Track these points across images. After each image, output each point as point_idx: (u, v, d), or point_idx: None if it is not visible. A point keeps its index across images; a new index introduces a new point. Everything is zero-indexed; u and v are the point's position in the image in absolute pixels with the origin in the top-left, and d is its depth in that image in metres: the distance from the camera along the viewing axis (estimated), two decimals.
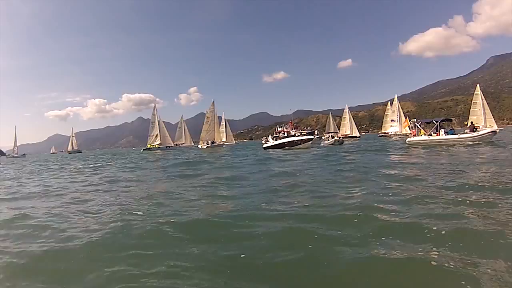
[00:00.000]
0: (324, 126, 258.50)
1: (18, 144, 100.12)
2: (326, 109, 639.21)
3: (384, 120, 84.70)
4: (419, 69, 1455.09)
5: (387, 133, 77.46)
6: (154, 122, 67.38)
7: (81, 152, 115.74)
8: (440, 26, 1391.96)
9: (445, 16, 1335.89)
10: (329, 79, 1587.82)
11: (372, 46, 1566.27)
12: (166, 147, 65.97)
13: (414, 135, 28.38)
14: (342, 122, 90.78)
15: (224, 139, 76.97)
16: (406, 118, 34.31)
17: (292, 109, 74.70)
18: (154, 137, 66.70)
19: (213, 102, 64.05)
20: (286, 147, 37.61)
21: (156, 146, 65.15)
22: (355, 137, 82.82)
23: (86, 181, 13.10)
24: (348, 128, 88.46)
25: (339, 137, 45.52)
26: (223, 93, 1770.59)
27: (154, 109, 68.95)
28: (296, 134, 41.04)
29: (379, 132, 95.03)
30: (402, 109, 78.95)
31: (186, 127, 79.52)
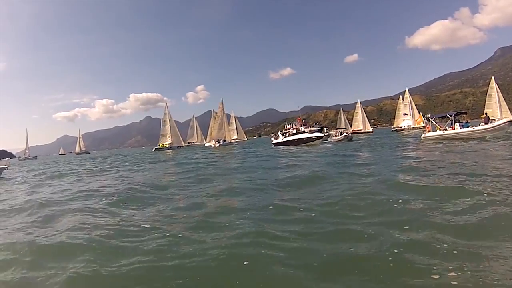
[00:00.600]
0: (332, 122, 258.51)
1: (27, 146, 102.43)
2: (333, 104, 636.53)
3: (396, 114, 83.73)
4: (426, 63, 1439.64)
5: (400, 127, 76.06)
6: (166, 121, 67.87)
7: (89, 153, 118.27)
8: (446, 19, 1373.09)
9: (451, 8, 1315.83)
10: (336, 74, 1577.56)
11: (378, 40, 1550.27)
12: (178, 146, 66.32)
13: (429, 131, 27.80)
14: (354, 117, 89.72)
15: (235, 137, 77.65)
16: (419, 114, 33.84)
17: (299, 105, 74.84)
18: (166, 136, 67.23)
19: (222, 100, 65.29)
20: (296, 144, 37.75)
21: (167, 145, 65.53)
22: (368, 132, 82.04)
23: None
24: (360, 123, 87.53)
25: (348, 134, 44.96)
26: (230, 90, 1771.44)
27: (165, 108, 69.40)
28: (305, 131, 41.12)
29: (392, 126, 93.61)
30: (410, 102, 78.37)
31: (198, 126, 79.96)
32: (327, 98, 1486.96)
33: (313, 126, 44.45)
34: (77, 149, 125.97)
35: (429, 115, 29.08)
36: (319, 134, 38.68)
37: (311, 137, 37.82)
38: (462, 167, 9.67)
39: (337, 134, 44.99)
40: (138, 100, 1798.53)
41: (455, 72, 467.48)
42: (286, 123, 49.83)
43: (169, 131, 66.78)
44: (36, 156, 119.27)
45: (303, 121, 47.91)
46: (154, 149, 63.38)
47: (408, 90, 76.71)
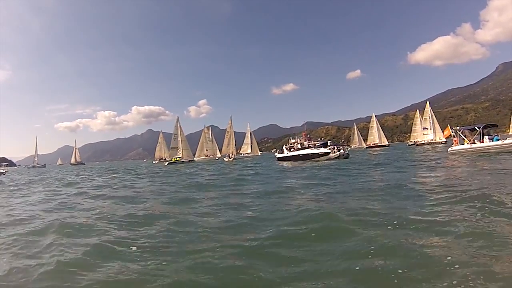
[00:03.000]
0: (334, 138, 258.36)
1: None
2: (335, 120, 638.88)
3: (413, 128, 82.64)
4: (428, 79, 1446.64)
5: (418, 141, 75.34)
6: (177, 134, 68.56)
7: (84, 164, 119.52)
8: (448, 34, 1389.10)
9: (453, 24, 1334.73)
10: (338, 90, 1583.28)
11: (380, 56, 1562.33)
12: (189, 160, 66.68)
13: (457, 144, 26.78)
14: (369, 131, 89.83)
15: (249, 151, 79.72)
16: (447, 126, 32.07)
17: (304, 120, 76.96)
18: (177, 150, 67.83)
19: (231, 117, 69.87)
20: (302, 160, 37.07)
21: (179, 159, 65.64)
22: (384, 146, 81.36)
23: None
24: (376, 137, 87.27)
25: (345, 151, 40.21)
26: (232, 105, 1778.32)
27: (177, 122, 70.15)
28: (310, 145, 40.40)
29: (408, 140, 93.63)
30: (412, 118, 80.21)
31: (214, 139, 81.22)
32: (328, 114, 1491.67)
33: (317, 141, 43.77)
34: (72, 160, 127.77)
35: (458, 127, 28.11)
36: (325, 150, 37.09)
37: (317, 153, 36.83)
38: None
39: (334, 151, 38.17)
40: (140, 113, 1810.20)
41: (457, 88, 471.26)
42: (290, 137, 49.83)
43: (181, 145, 67.81)
44: (44, 165, 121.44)
45: (308, 136, 47.26)
46: (167, 163, 63.12)
47: (411, 106, 79.92)
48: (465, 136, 26.64)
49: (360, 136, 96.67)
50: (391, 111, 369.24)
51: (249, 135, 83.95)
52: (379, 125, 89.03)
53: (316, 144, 40.59)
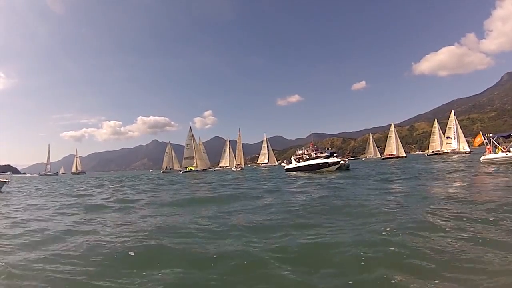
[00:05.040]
0: (339, 149, 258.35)
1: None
2: (340, 131, 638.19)
3: (431, 138, 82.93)
4: (433, 89, 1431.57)
5: (439, 151, 74.97)
6: (190, 144, 70.29)
7: (84, 174, 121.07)
8: (453, 45, 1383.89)
9: (457, 34, 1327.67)
10: (343, 101, 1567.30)
11: (385, 67, 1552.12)
12: (203, 169, 68.18)
13: (490, 152, 25.44)
14: (387, 142, 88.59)
15: (266, 161, 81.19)
16: (479, 132, 29.64)
17: (310, 131, 78.25)
18: (190, 159, 69.42)
19: (239, 129, 71.97)
20: (311, 170, 36.91)
21: (193, 168, 67.23)
22: (402, 157, 79.47)
23: None
24: (394, 147, 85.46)
25: (345, 162, 40.32)
26: (238, 116, 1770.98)
27: (190, 131, 71.75)
28: (319, 155, 40.42)
29: (427, 151, 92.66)
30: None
31: (231, 150, 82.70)
32: (333, 126, 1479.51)
33: (324, 152, 43.57)
34: (73, 169, 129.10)
35: (490, 134, 26.51)
36: (335, 160, 37.22)
37: (327, 163, 36.65)
38: None
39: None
40: (146, 123, 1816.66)
41: (462, 98, 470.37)
42: (298, 148, 49.26)
43: (195, 154, 69.36)
44: (57, 173, 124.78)
45: (315, 146, 47.17)
46: (182, 171, 65.64)
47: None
48: (498, 144, 25.12)
49: (375, 146, 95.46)
50: (396, 122, 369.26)
51: (265, 145, 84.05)
52: (397, 136, 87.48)
53: (324, 154, 40.61)
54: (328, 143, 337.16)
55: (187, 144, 71.01)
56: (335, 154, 41.82)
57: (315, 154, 41.81)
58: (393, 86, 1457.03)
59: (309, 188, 16.78)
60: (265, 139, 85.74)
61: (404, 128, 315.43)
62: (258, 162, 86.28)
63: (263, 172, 50.03)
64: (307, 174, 32.64)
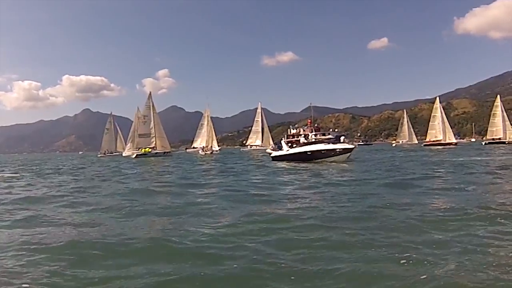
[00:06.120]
0: (347, 130, 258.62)
1: None
2: (349, 106, 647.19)
3: (491, 121, 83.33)
4: (481, 55, 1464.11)
5: (500, 138, 76.36)
6: (149, 116, 69.45)
7: None
8: None
9: None
10: (356, 64, 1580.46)
11: (416, 21, 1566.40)
12: (164, 152, 68.48)
13: None
14: (430, 123, 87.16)
15: (258, 142, 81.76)
16: None
17: (308, 103, 76.19)
18: (148, 137, 68.86)
19: (208, 98, 71.01)
20: (310, 160, 35.15)
21: (149, 150, 66.77)
22: (450, 144, 79.12)
23: None
24: (439, 131, 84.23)
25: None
26: (205, 79, 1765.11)
27: (149, 99, 70.79)
28: (317, 139, 39.59)
29: (484, 138, 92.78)
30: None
31: (211, 123, 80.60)
32: (339, 97, 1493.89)
33: (328, 133, 42.95)
34: None
35: None
36: (348, 146, 35.91)
37: (334, 150, 34.88)
38: None
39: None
40: (74, 85, 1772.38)
41: None
42: (290, 126, 50.32)
43: (153, 130, 68.79)
44: None
45: (316, 125, 46.67)
46: (135, 155, 64.95)
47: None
48: None
49: (411, 128, 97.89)
50: (428, 97, 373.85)
51: (259, 119, 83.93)
52: (444, 115, 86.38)
53: (328, 137, 39.92)
54: (331, 121, 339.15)
55: (144, 116, 70.67)
56: (343, 137, 39.45)
57: (315, 136, 40.98)
58: (426, 47, 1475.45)
59: (322, 203, 12.16)
60: (260, 110, 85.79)
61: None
62: (247, 143, 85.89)
63: (251, 160, 47.32)
64: (302, 165, 30.86)
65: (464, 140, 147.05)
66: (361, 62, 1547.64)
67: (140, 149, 67.92)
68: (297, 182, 18.91)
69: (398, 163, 32.69)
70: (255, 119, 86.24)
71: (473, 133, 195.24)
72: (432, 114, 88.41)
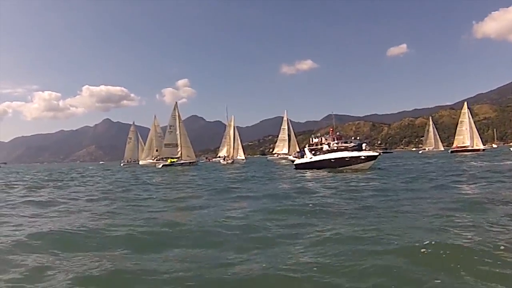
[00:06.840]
0: (367, 138, 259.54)
1: None
2: (369, 114, 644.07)
3: None
4: (501, 59, 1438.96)
5: None
6: (174, 126, 69.64)
7: (5, 164, 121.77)
8: None
9: None
10: (375, 71, 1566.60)
11: (435, 27, 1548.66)
12: (190, 162, 67.81)
13: None
14: (458, 128, 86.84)
15: (285, 150, 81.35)
16: None
17: (329, 112, 76.19)
18: (172, 147, 69.23)
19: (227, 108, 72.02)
20: (333, 167, 34.81)
21: (175, 160, 66.56)
22: (478, 150, 78.27)
23: None
24: (467, 137, 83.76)
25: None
26: (224, 89, 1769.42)
27: (175, 109, 71.10)
28: (340, 148, 39.66)
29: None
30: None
31: (238, 135, 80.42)
32: (359, 105, 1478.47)
33: (350, 141, 42.78)
34: None
35: None
36: (372, 153, 36.29)
37: (358, 157, 35.02)
38: None
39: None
40: (94, 96, 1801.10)
41: None
42: (312, 136, 49.02)
43: (179, 141, 68.94)
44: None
45: (337, 133, 46.23)
46: (161, 165, 64.25)
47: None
48: None
49: (437, 135, 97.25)
50: (448, 103, 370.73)
51: (285, 127, 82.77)
52: (472, 120, 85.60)
53: (351, 145, 40.04)
54: (351, 129, 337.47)
55: (170, 126, 70.65)
56: (365, 145, 39.76)
57: (338, 144, 41.21)
58: (445, 52, 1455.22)
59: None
60: (286, 118, 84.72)
61: (458, 112, 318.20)
62: (274, 151, 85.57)
63: (274, 170, 43.89)
64: (325, 173, 30.59)
65: (486, 146, 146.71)
66: (381, 69, 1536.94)
67: (165, 159, 68.77)
68: (324, 195, 16.14)
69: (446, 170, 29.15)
70: (282, 127, 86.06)
71: (495, 139, 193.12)
72: (460, 120, 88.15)
